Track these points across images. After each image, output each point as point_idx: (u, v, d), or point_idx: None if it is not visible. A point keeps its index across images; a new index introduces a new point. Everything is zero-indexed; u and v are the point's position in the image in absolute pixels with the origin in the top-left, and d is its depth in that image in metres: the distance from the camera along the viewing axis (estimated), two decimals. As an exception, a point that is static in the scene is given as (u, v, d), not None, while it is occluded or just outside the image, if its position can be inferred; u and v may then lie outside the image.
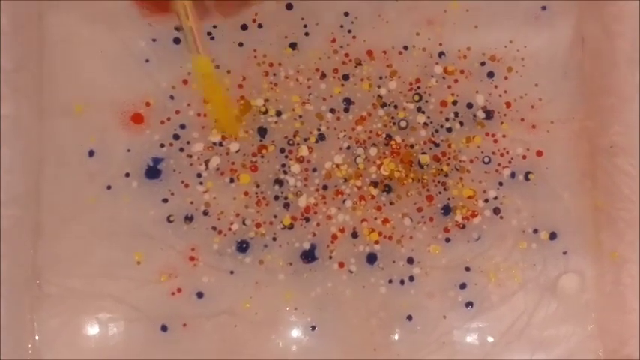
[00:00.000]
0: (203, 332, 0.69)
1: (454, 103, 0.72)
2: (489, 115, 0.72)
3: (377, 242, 0.70)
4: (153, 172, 0.69)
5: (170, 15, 0.62)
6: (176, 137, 0.69)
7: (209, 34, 0.70)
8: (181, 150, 0.69)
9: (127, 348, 0.68)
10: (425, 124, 0.71)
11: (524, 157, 0.72)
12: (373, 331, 0.70)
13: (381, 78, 0.71)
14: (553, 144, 0.72)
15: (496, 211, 0.71)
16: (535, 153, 0.72)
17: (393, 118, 0.71)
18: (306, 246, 0.70)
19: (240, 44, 0.70)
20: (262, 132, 0.70)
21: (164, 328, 0.68)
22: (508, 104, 0.72)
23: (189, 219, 0.69)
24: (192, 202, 0.69)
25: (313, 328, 0.70)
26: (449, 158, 0.71)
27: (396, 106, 0.71)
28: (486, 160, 0.72)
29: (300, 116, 0.71)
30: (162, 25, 0.69)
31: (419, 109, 0.71)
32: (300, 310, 0.70)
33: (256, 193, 0.70)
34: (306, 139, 0.70)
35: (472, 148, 0.72)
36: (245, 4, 0.65)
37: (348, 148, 0.71)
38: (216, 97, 0.68)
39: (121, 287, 0.68)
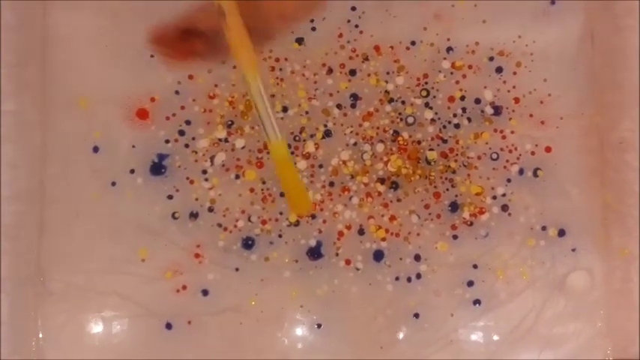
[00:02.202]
0: (208, 330, 0.69)
1: (462, 98, 0.71)
2: (498, 110, 0.71)
3: (384, 239, 0.70)
4: (158, 168, 0.68)
5: (194, 60, 0.59)
6: (181, 133, 0.69)
7: (214, 28, 0.70)
8: (187, 146, 0.69)
9: (131, 346, 0.68)
10: (432, 120, 0.71)
11: (532, 153, 0.71)
12: (380, 329, 0.70)
13: (388, 73, 0.71)
14: (562, 140, 0.71)
15: (504, 207, 0.71)
16: (544, 149, 0.71)
17: (400, 113, 0.71)
18: (312, 243, 0.69)
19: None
20: (268, 128, 0.70)
21: (169, 325, 0.68)
22: (517, 100, 0.71)
23: (194, 216, 0.69)
24: (197, 199, 0.69)
25: (319, 325, 0.69)
26: (456, 154, 0.71)
27: (403, 102, 0.71)
28: (494, 156, 0.71)
29: (307, 112, 0.70)
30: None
31: (426, 105, 0.71)
32: (306, 308, 0.69)
33: (262, 190, 0.69)
34: (312, 135, 0.70)
35: (480, 144, 0.71)
36: (268, 41, 0.61)
37: (355, 144, 0.70)
38: (290, 178, 0.66)
39: (126, 284, 0.68)
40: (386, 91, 0.71)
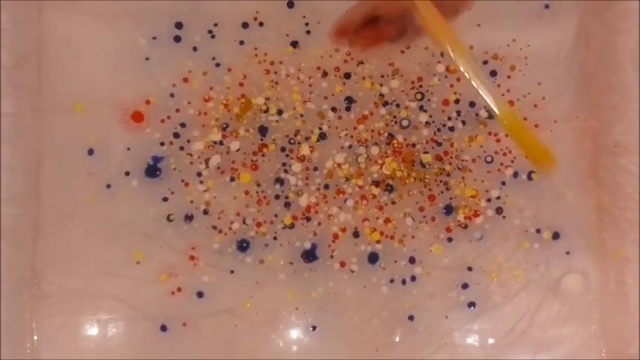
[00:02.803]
0: (203, 332, 0.69)
1: (456, 101, 0.71)
2: (492, 114, 0.71)
3: (378, 242, 0.70)
4: (153, 170, 0.69)
5: (383, 44, 0.58)
6: (176, 135, 0.69)
7: (210, 32, 0.70)
8: (181, 148, 0.69)
9: (126, 348, 0.68)
10: (427, 122, 0.71)
11: (527, 157, 0.71)
12: (375, 332, 0.70)
13: (382, 76, 0.71)
14: (556, 143, 0.71)
15: (499, 210, 0.71)
16: (538, 152, 0.71)
17: (394, 116, 0.71)
18: (307, 245, 0.70)
19: (241, 42, 0.70)
20: (263, 130, 0.70)
21: (164, 327, 0.68)
22: (511, 103, 0.71)
23: (189, 218, 0.69)
24: (192, 201, 0.69)
25: (314, 328, 0.69)
26: (451, 157, 0.71)
27: (397, 105, 0.71)
28: (489, 159, 0.71)
29: (302, 115, 0.70)
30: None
31: (421, 108, 0.71)
32: (301, 310, 0.69)
33: (257, 192, 0.70)
34: (307, 138, 0.70)
35: (474, 147, 0.71)
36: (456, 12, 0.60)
37: (350, 147, 0.70)
38: (526, 138, 0.61)
39: (121, 287, 0.68)
40: (381, 94, 0.71)
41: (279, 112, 0.70)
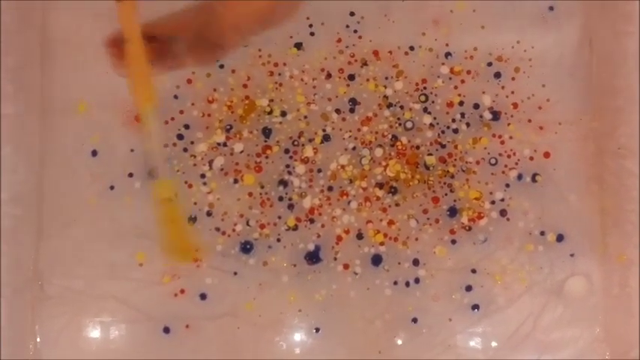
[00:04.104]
0: (206, 334, 0.68)
1: (460, 103, 0.71)
2: (496, 116, 0.71)
3: (382, 244, 0.70)
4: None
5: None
6: (180, 137, 0.69)
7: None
8: (185, 150, 0.69)
9: (129, 350, 0.68)
10: (431, 124, 0.71)
11: (531, 159, 0.71)
12: (378, 334, 0.70)
13: (386, 78, 0.71)
14: (560, 145, 0.71)
15: (503, 212, 0.71)
16: (542, 154, 0.71)
17: (398, 118, 0.71)
18: (311, 247, 0.69)
19: (245, 44, 0.70)
20: (267, 132, 0.70)
21: (166, 329, 0.68)
22: (515, 105, 0.71)
23: (192, 220, 0.69)
24: (195, 203, 0.69)
25: (317, 330, 0.69)
26: (455, 159, 0.71)
27: (402, 107, 0.71)
28: (493, 161, 0.71)
29: (305, 116, 0.70)
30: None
31: (425, 110, 0.71)
32: (305, 312, 0.69)
33: (260, 194, 0.69)
34: (311, 140, 0.70)
35: (479, 149, 0.71)
36: (221, 52, 0.63)
37: (354, 148, 0.70)
38: (174, 224, 0.61)
39: (123, 288, 0.68)
40: (385, 96, 0.71)
41: (283, 114, 0.70)
